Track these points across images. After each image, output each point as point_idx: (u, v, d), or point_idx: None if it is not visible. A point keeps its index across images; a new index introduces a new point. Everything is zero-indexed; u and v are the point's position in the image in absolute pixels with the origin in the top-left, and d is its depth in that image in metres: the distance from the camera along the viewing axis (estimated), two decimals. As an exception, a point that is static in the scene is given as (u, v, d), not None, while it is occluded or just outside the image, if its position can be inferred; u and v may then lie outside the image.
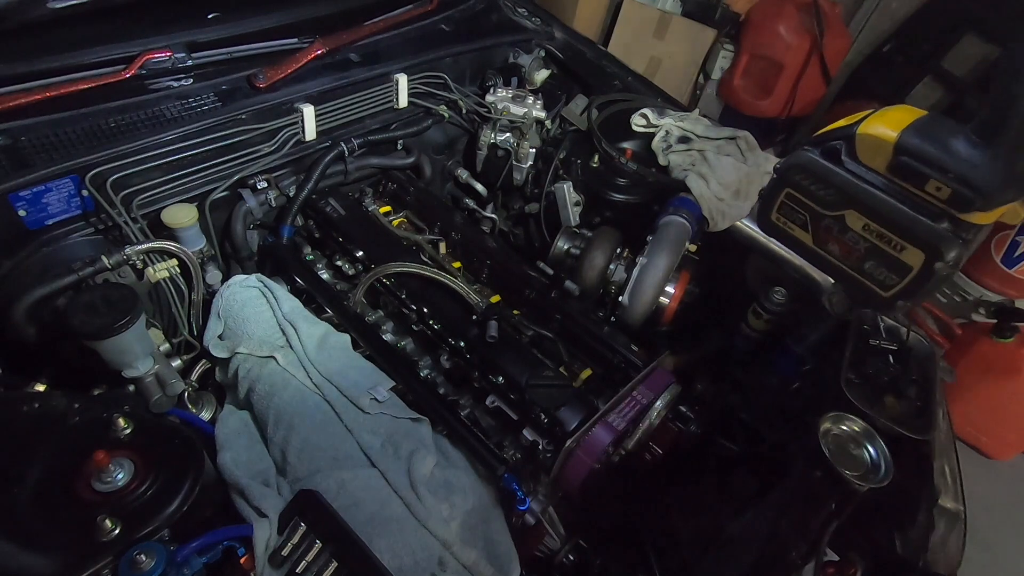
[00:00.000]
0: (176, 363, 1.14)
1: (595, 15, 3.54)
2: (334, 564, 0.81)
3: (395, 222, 1.44)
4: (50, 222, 1.09)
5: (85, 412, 0.86)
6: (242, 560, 0.83)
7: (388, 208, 1.47)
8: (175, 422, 1.05)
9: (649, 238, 1.34)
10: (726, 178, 1.40)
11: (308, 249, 1.39)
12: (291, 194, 1.36)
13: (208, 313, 1.21)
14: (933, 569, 0.93)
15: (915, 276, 0.72)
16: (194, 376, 1.20)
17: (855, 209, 0.74)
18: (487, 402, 1.10)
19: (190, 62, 1.27)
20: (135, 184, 1.15)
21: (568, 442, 1.00)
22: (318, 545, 0.83)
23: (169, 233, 1.16)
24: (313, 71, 1.39)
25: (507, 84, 1.67)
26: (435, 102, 1.58)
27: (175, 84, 1.25)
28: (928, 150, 0.67)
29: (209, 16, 1.31)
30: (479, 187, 1.70)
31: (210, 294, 1.23)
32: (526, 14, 1.84)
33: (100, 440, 0.82)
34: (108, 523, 0.73)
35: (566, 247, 1.45)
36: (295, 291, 1.28)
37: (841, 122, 0.78)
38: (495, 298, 1.25)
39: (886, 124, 0.71)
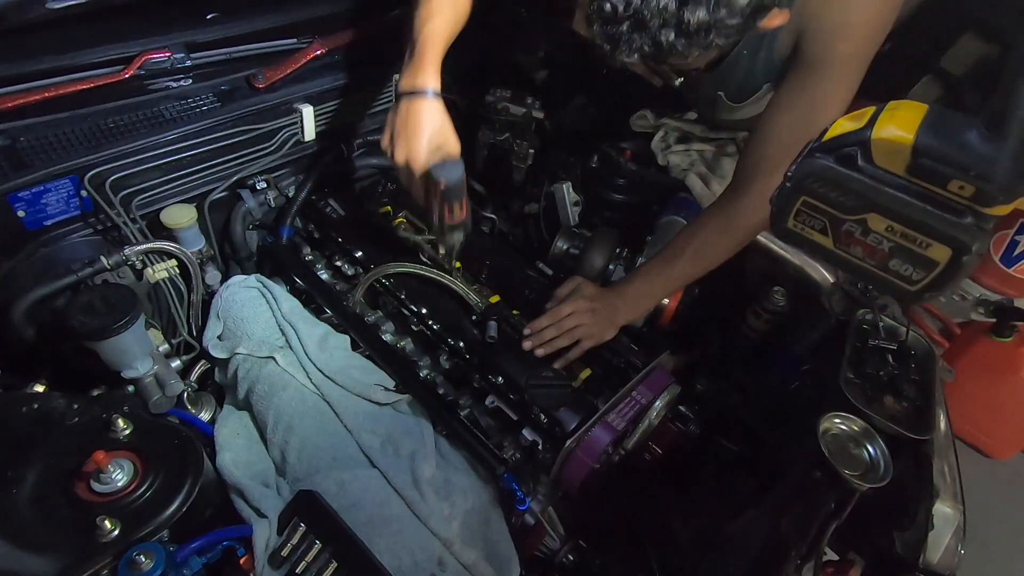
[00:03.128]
0: (175, 364, 1.14)
1: (594, 15, 3.53)
2: (334, 564, 0.81)
3: (395, 222, 1.44)
4: (49, 223, 1.09)
5: (84, 413, 0.86)
6: (242, 560, 0.83)
7: (387, 208, 1.47)
8: (175, 423, 1.06)
9: (649, 238, 1.34)
10: (725, 178, 1.40)
11: (307, 249, 1.38)
12: (290, 194, 1.36)
13: (207, 313, 1.21)
14: (932, 568, 0.93)
15: (942, 270, 0.74)
16: (193, 377, 1.20)
17: (877, 212, 0.75)
18: (487, 402, 1.10)
19: (189, 62, 1.27)
20: (134, 184, 1.15)
21: (568, 442, 1.00)
22: (318, 545, 0.83)
23: (168, 234, 1.16)
24: (312, 71, 1.38)
25: (507, 84, 1.67)
26: (434, 102, 1.57)
27: (174, 84, 1.25)
28: (946, 150, 0.68)
29: (208, 16, 1.31)
30: (479, 187, 1.70)
31: (209, 295, 1.23)
32: (526, 14, 1.83)
33: (99, 441, 0.82)
34: (108, 524, 0.73)
35: (565, 247, 1.45)
36: (294, 291, 1.28)
37: (843, 121, 0.78)
38: (494, 298, 1.25)
39: (898, 125, 0.71)
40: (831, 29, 0.98)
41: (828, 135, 0.77)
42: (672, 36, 0.80)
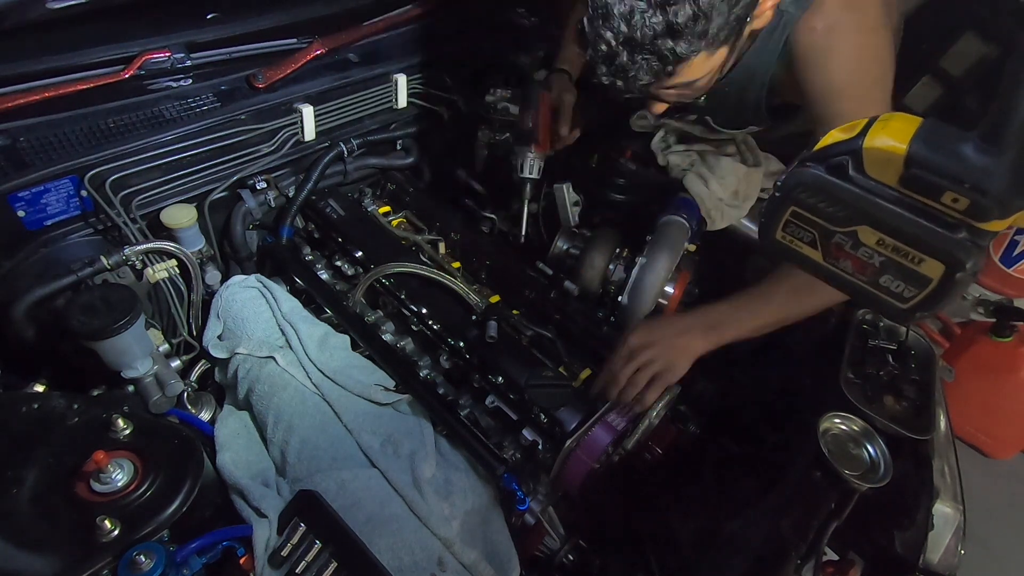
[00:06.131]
0: (175, 363, 1.14)
1: (594, 15, 3.52)
2: (334, 564, 0.81)
3: (394, 222, 1.44)
4: (49, 223, 1.09)
5: (84, 413, 0.86)
6: (242, 560, 0.83)
7: (387, 208, 1.47)
8: (175, 422, 1.05)
9: (648, 238, 1.34)
10: (725, 178, 1.39)
11: (307, 249, 1.38)
12: (290, 194, 1.36)
13: (207, 313, 1.21)
14: (932, 568, 0.93)
15: (935, 287, 0.71)
16: (193, 377, 1.20)
17: (868, 224, 0.72)
18: (487, 402, 1.10)
19: (189, 62, 1.27)
20: (134, 184, 1.15)
21: (568, 442, 1.00)
22: (318, 545, 0.83)
23: (168, 233, 1.16)
24: (312, 71, 1.39)
25: (507, 84, 1.67)
26: (434, 102, 1.58)
27: (174, 84, 1.25)
28: (940, 161, 0.66)
29: (208, 16, 1.31)
30: (478, 187, 1.70)
31: (209, 294, 1.23)
32: (525, 13, 1.83)
33: (99, 441, 0.82)
34: (108, 524, 0.73)
35: (565, 247, 1.45)
36: (294, 291, 1.28)
37: (835, 131, 0.76)
38: (494, 298, 1.25)
39: (891, 136, 0.69)
40: (823, 90, 1.02)
41: (819, 144, 0.75)
42: (669, 42, 0.82)
